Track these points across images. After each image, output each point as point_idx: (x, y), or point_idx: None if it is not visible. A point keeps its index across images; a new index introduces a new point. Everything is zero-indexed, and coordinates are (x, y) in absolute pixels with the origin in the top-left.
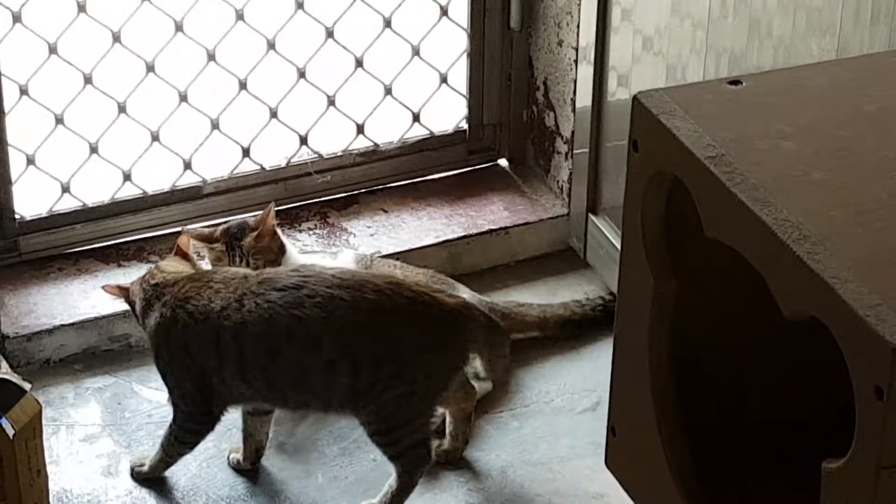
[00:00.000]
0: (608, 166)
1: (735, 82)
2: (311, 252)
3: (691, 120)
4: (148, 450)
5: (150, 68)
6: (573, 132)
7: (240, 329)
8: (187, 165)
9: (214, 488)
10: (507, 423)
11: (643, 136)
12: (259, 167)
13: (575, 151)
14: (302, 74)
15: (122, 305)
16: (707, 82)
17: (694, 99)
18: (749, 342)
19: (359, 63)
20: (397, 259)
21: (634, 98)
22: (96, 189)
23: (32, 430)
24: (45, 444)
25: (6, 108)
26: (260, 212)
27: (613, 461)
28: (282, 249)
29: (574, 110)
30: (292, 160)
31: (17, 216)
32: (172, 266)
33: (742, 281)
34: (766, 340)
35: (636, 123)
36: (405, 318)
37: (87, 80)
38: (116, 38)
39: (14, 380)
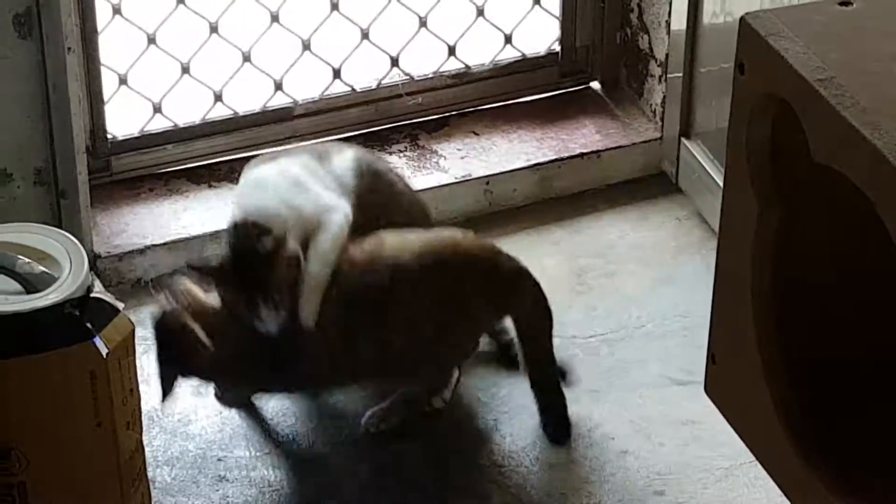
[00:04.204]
0: (702, 90)
1: (845, 3)
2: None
3: (800, 41)
4: None
5: None
6: (667, 55)
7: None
8: (278, 86)
9: (302, 408)
10: (597, 348)
11: (750, 58)
12: (350, 89)
13: (669, 75)
14: None
15: (211, 226)
16: (816, 3)
17: (803, 20)
18: (855, 270)
19: None
20: (487, 182)
21: (742, 19)
22: (188, 109)
23: (125, 350)
24: (137, 363)
25: (99, 28)
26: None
27: (713, 388)
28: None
29: (669, 33)
30: (383, 82)
31: (109, 136)
32: None
33: (850, 207)
34: (873, 268)
35: (743, 45)
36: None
37: (180, 0)
38: None
39: (107, 299)
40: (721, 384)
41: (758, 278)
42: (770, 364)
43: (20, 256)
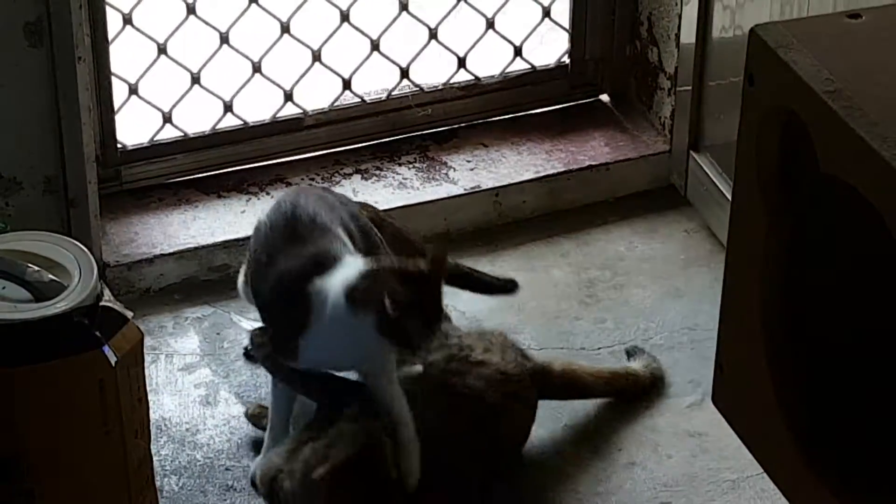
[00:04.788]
0: (711, 103)
1: (855, 16)
2: None
3: (809, 54)
4: (246, 380)
5: (253, 0)
6: (676, 68)
7: None
8: (288, 97)
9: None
10: (604, 360)
11: (759, 69)
12: (360, 100)
13: (678, 88)
14: (404, 7)
15: (220, 236)
16: (826, 15)
17: (812, 32)
18: (864, 280)
19: None
20: (496, 194)
21: (751, 31)
22: (197, 119)
23: (134, 358)
24: (145, 372)
25: (110, 38)
26: None
27: (720, 398)
28: None
29: (678, 46)
30: (393, 93)
31: (119, 145)
32: None
33: (859, 218)
34: (882, 278)
35: (752, 57)
36: None
37: (191, 10)
38: None
39: (116, 307)
40: (728, 394)
41: (766, 288)
42: (777, 374)
43: (30, 265)
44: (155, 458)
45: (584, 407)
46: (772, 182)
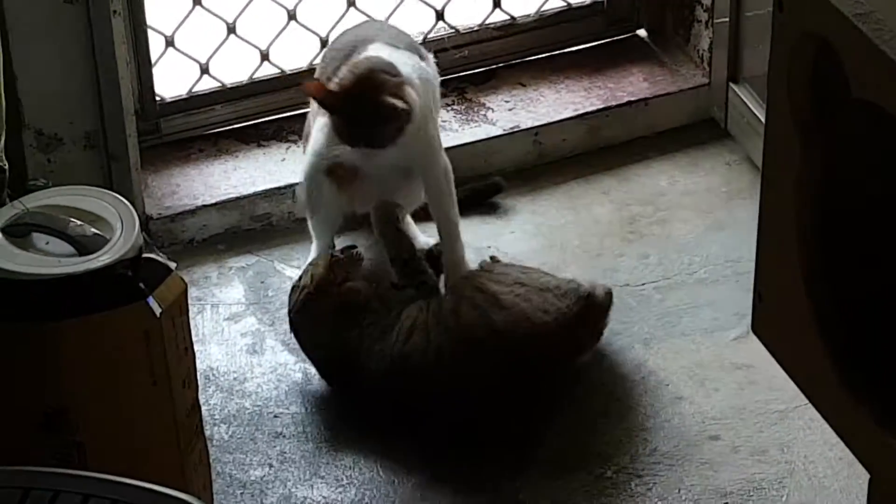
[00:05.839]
0: (749, 34)
1: None
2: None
3: None
4: None
5: None
6: (713, 0)
7: None
8: (324, 43)
9: None
10: (649, 295)
11: None
12: None
13: (715, 20)
14: None
15: (262, 185)
16: None
17: None
18: None
19: None
20: (536, 133)
21: None
22: (235, 69)
23: (179, 309)
24: (191, 323)
25: None
26: None
27: (760, 326)
28: None
29: None
30: (429, 35)
31: (157, 98)
32: None
33: (891, 140)
34: None
35: None
36: None
37: None
38: None
39: (160, 259)
40: (768, 322)
41: (802, 215)
42: (816, 300)
43: (72, 219)
44: (204, 408)
45: (630, 342)
46: (804, 108)
